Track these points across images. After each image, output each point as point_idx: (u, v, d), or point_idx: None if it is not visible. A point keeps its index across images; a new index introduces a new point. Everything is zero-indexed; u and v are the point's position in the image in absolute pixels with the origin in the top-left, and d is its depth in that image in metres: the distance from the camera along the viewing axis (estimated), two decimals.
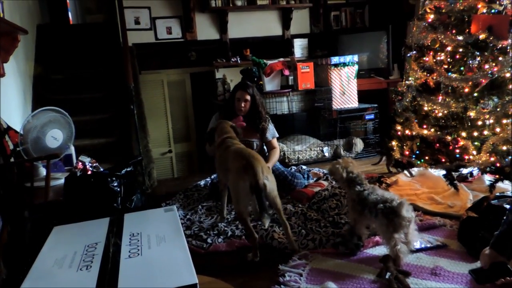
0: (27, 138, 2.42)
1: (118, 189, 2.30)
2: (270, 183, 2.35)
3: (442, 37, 3.04)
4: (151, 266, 1.01)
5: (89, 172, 2.57)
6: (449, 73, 3.02)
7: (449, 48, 3.04)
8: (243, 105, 3.31)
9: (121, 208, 2.20)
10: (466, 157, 2.94)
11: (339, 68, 4.74)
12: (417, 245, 2.33)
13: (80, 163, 2.61)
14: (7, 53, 3.17)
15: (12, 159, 2.56)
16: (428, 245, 2.36)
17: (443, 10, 3.11)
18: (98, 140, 3.93)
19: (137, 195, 2.44)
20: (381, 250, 2.36)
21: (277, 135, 3.62)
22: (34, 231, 2.26)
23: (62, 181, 2.42)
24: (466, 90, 2.91)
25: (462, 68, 2.98)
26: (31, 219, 2.31)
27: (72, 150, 3.02)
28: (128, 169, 2.52)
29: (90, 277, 0.96)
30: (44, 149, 2.51)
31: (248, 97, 3.32)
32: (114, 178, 2.33)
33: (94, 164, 2.65)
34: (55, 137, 2.60)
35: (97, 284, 0.93)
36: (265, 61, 4.62)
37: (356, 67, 4.82)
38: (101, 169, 2.67)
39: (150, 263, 1.03)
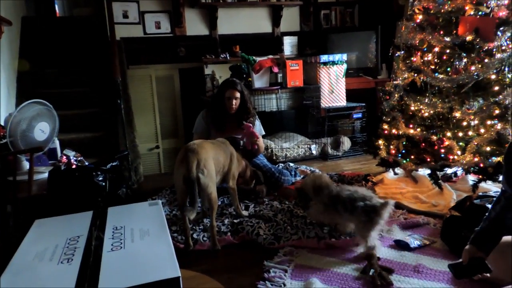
0: (16, 131, 2.37)
1: (104, 184, 2.27)
2: (206, 178, 2.40)
3: (430, 37, 3.07)
4: (133, 259, 1.00)
5: (74, 166, 2.53)
6: (436, 74, 3.05)
7: (436, 49, 3.08)
8: (234, 103, 3.30)
9: (106, 202, 2.17)
10: (451, 157, 2.98)
11: (328, 66, 4.76)
12: (410, 244, 2.36)
13: (64, 157, 2.57)
14: None
15: None
16: (420, 244, 2.38)
17: (432, 11, 3.14)
18: (85, 134, 3.88)
19: (122, 189, 2.42)
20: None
21: (263, 133, 3.62)
22: (17, 225, 2.22)
23: (46, 175, 2.39)
24: (452, 91, 2.95)
25: (448, 69, 3.01)
26: (14, 213, 2.27)
27: (56, 143, 2.98)
28: (114, 163, 2.50)
29: (71, 270, 0.95)
30: (32, 142, 2.48)
31: (238, 95, 3.32)
32: (99, 173, 2.30)
33: (79, 158, 2.62)
34: (42, 130, 2.57)
35: (78, 277, 0.91)
36: (254, 58, 4.61)
37: (345, 66, 4.85)
38: (86, 163, 2.63)
39: (132, 257, 1.02)
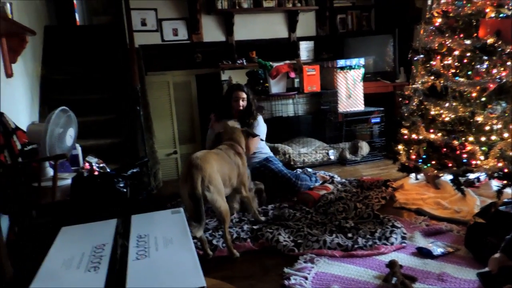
0: (52, 138, 2.43)
1: (125, 190, 2.30)
2: (212, 194, 2.37)
3: (450, 41, 3.03)
4: (159, 268, 1.01)
5: (96, 173, 2.57)
6: (457, 78, 3.01)
7: (456, 52, 3.03)
8: (241, 104, 3.40)
9: (127, 209, 2.20)
10: (474, 162, 2.92)
11: (345, 71, 4.73)
12: (433, 251, 2.32)
13: (87, 164, 2.61)
14: (16, 53, 3.19)
15: (19, 159, 2.57)
16: (444, 251, 2.34)
17: (451, 14, 3.09)
18: (104, 140, 3.94)
19: (143, 195, 2.44)
20: (387, 256, 2.35)
21: (263, 138, 3.61)
22: (41, 231, 2.26)
23: (69, 181, 2.43)
24: (474, 94, 2.89)
25: (469, 73, 2.96)
26: (38, 219, 2.32)
27: (78, 150, 3.03)
28: (134, 170, 2.52)
29: (98, 278, 0.96)
30: (65, 148, 2.56)
31: (245, 96, 3.44)
32: (120, 179, 2.33)
33: (101, 165, 2.66)
34: (71, 136, 2.64)
35: (105, 286, 0.92)
36: (271, 63, 4.62)
37: (362, 70, 4.82)
38: (108, 170, 2.67)
39: (158, 265, 1.02)
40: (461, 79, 2.99)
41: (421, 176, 3.54)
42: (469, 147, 2.93)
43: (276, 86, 4.71)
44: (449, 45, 3.05)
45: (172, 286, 0.90)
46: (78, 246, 1.14)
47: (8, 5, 2.82)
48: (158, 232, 1.21)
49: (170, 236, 1.17)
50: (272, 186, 3.43)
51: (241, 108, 3.44)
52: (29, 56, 3.79)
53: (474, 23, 2.94)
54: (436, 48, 3.15)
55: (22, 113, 3.36)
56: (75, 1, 6.12)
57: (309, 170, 4.06)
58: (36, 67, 4.10)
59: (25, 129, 2.72)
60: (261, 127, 3.55)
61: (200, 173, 2.34)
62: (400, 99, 3.55)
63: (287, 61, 4.78)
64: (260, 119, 3.59)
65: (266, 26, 5.46)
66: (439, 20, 3.16)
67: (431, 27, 3.22)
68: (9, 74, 3.08)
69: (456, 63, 3.07)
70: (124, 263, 1.00)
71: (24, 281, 1.04)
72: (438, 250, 2.34)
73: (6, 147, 2.47)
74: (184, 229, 1.23)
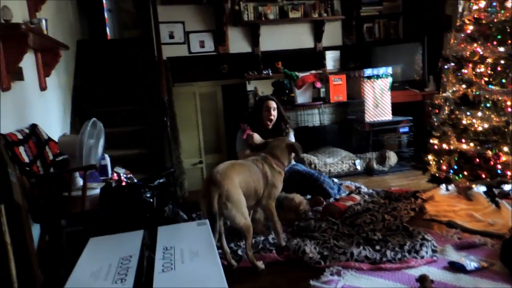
0: (85, 148, 2.51)
1: (151, 200, 2.33)
2: (230, 211, 2.31)
3: (482, 48, 2.94)
4: (184, 281, 1.01)
5: (124, 183, 2.62)
6: (490, 86, 2.91)
7: (489, 60, 2.94)
8: (272, 114, 3.38)
9: (154, 219, 2.22)
10: (509, 173, 2.81)
11: (372, 80, 4.67)
12: (467, 266, 2.23)
13: (115, 174, 2.67)
14: (49, 67, 3.32)
15: (51, 169, 2.65)
16: (478, 266, 2.24)
17: (483, 21, 3.01)
18: (132, 151, 4.02)
19: (169, 206, 2.46)
20: (417, 270, 2.27)
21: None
22: (71, 239, 2.32)
23: (97, 191, 2.48)
24: (508, 103, 2.79)
25: (504, 81, 2.87)
26: (68, 227, 2.38)
27: (107, 160, 3.10)
28: (161, 180, 2.55)
29: None
30: (97, 158, 2.64)
31: (275, 106, 3.42)
32: (147, 189, 2.36)
33: (129, 175, 2.71)
34: (101, 146, 2.71)
35: None
36: (296, 73, 4.61)
37: (390, 79, 4.74)
38: (135, 180, 2.72)
39: (183, 278, 1.02)
40: (495, 88, 2.89)
41: (452, 187, 3.43)
42: (503, 158, 2.83)
43: (302, 96, 4.69)
44: (481, 53, 2.96)
45: None
46: (105, 257, 1.16)
47: (43, 21, 2.94)
48: (184, 244, 1.21)
49: (196, 249, 1.17)
50: (300, 186, 3.44)
51: (272, 117, 3.43)
52: (62, 69, 3.93)
53: (509, 30, 2.85)
54: (468, 56, 3.07)
55: (54, 124, 3.47)
56: (106, 16, 6.32)
57: (335, 180, 4.01)
58: (68, 80, 4.24)
59: (56, 140, 2.81)
60: (293, 137, 3.56)
61: (217, 190, 2.29)
62: (430, 108, 3.47)
63: (313, 71, 4.75)
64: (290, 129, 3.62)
65: (292, 37, 5.47)
66: (471, 27, 3.09)
67: (462, 35, 3.15)
68: (43, 88, 3.20)
69: (489, 71, 2.97)
70: (150, 275, 1.01)
71: None
72: (471, 264, 2.24)
73: (39, 158, 2.56)
74: (209, 241, 1.23)
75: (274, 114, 3.43)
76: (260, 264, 2.46)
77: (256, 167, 2.64)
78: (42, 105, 3.21)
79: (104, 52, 4.94)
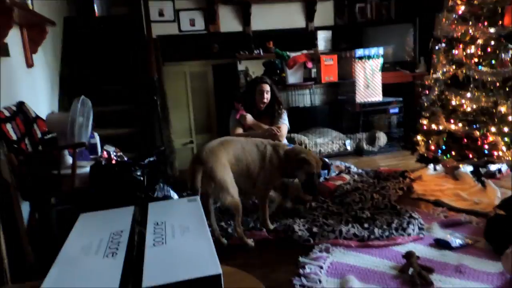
0: (75, 126, 2.48)
1: (142, 178, 2.33)
2: (214, 190, 2.31)
3: (473, 29, 2.95)
4: (175, 255, 1.02)
5: (114, 161, 2.61)
6: (480, 67, 2.93)
7: (480, 41, 2.95)
8: (265, 97, 3.34)
9: (145, 197, 2.23)
10: (495, 153, 2.86)
11: (363, 60, 4.66)
12: (452, 243, 2.28)
13: (105, 152, 2.65)
14: (36, 44, 3.25)
15: (39, 147, 2.63)
16: (463, 243, 2.30)
17: (475, 2, 3.00)
18: (122, 130, 3.98)
19: (159, 184, 2.47)
20: (404, 247, 2.33)
21: (288, 126, 3.55)
22: (61, 218, 2.31)
23: (87, 169, 2.47)
24: (497, 84, 2.81)
25: (493, 62, 2.88)
26: (58, 206, 2.37)
27: (97, 139, 3.07)
28: (151, 159, 2.55)
29: (116, 264, 0.97)
30: (86, 136, 2.61)
31: (269, 88, 3.38)
32: (137, 168, 2.36)
33: (119, 154, 2.69)
34: (91, 124, 2.69)
35: (123, 271, 0.94)
36: (288, 53, 4.58)
37: (381, 60, 4.73)
38: (125, 159, 2.71)
39: (174, 252, 1.03)
40: (485, 69, 2.91)
41: (439, 167, 3.48)
42: (491, 138, 2.87)
43: (293, 76, 4.67)
44: (472, 33, 2.97)
45: (188, 272, 0.90)
46: (96, 233, 1.16)
47: None
48: (174, 220, 1.21)
49: (186, 224, 1.17)
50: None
51: (265, 100, 3.39)
52: (49, 47, 3.85)
53: (500, 11, 2.85)
54: (459, 36, 3.08)
55: (42, 102, 3.42)
56: None
57: (326, 160, 4.03)
58: (56, 58, 4.16)
59: (44, 118, 2.77)
60: (286, 118, 3.52)
61: (201, 167, 2.29)
62: (420, 89, 3.49)
63: (305, 51, 4.72)
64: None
65: (284, 16, 5.40)
66: (463, 7, 3.08)
67: (454, 15, 3.14)
68: (29, 64, 3.14)
69: (479, 52, 2.99)
70: (141, 250, 1.01)
71: (45, 265, 1.06)
72: (456, 241, 2.30)
73: (27, 135, 2.53)
74: (200, 217, 1.24)
75: (267, 97, 3.39)
76: (250, 241, 2.49)
77: (254, 146, 2.62)
78: (29, 82, 3.15)
79: (92, 29, 4.83)
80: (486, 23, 2.89)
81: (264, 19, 5.34)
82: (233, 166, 2.46)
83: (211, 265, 0.93)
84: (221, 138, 2.63)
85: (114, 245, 1.07)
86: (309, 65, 4.65)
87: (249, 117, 3.25)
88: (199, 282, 0.89)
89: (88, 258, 1.02)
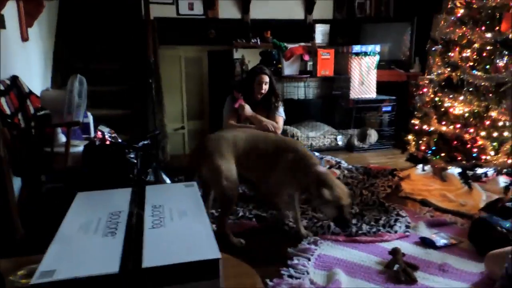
0: (71, 105, 2.46)
1: (135, 161, 2.33)
2: (209, 174, 2.30)
3: (471, 33, 2.98)
4: (175, 238, 1.03)
5: (108, 142, 2.59)
6: (474, 71, 2.97)
7: (476, 45, 2.98)
8: (264, 88, 3.29)
9: (137, 179, 2.23)
10: (483, 157, 2.91)
11: (360, 57, 4.68)
12: (437, 242, 2.34)
13: (99, 133, 2.63)
14: (32, 18, 3.19)
15: (32, 123, 2.60)
16: (447, 242, 2.36)
17: (474, 6, 3.03)
18: (116, 111, 3.96)
19: (152, 167, 2.47)
20: (390, 243, 2.37)
21: (284, 118, 3.54)
22: (51, 195, 2.30)
23: (80, 148, 2.45)
24: (490, 89, 2.86)
25: (488, 67, 2.92)
26: (49, 183, 2.35)
27: (90, 119, 3.05)
28: (145, 142, 2.54)
29: (116, 243, 0.98)
30: (81, 114, 2.59)
31: (268, 79, 3.32)
32: (131, 150, 2.35)
33: (113, 135, 2.68)
34: (85, 103, 2.66)
35: (123, 250, 0.94)
36: (285, 44, 4.57)
37: (377, 57, 4.76)
38: (119, 140, 2.69)
39: (173, 235, 1.04)
40: (479, 73, 2.95)
41: (428, 167, 3.54)
42: (480, 142, 2.92)
43: (289, 68, 4.67)
44: (469, 37, 3.00)
45: (188, 255, 0.92)
46: (94, 212, 1.16)
47: None
48: (172, 204, 1.22)
49: (184, 209, 1.19)
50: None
51: (263, 91, 3.31)
52: (44, 22, 3.78)
53: (498, 16, 2.88)
54: (456, 39, 3.10)
55: (35, 78, 3.37)
56: None
57: (316, 154, 4.06)
58: (51, 34, 4.09)
59: (38, 94, 2.73)
60: (282, 110, 3.43)
61: (201, 153, 2.33)
62: (414, 89, 3.52)
63: (302, 43, 4.72)
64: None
65: (283, 6, 5.38)
66: (462, 10, 3.10)
67: (452, 18, 3.16)
68: (25, 38, 3.08)
69: (474, 56, 3.02)
70: (140, 231, 1.02)
71: (35, 242, 1.06)
72: (441, 241, 2.36)
73: (20, 110, 2.49)
74: (198, 202, 1.25)
75: (266, 88, 3.31)
76: (238, 241, 2.40)
77: (273, 146, 2.49)
78: (23, 56, 3.10)
79: (89, 7, 4.74)
80: (483, 28, 2.92)
81: (263, 8, 5.31)
82: (242, 160, 2.38)
83: (210, 249, 0.94)
84: (240, 129, 2.66)
85: (113, 224, 1.08)
86: (306, 57, 4.65)
87: (248, 108, 3.22)
88: (199, 265, 0.90)
89: (87, 237, 1.03)
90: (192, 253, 0.93)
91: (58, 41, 4.24)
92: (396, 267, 2.05)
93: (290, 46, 4.58)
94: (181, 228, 1.07)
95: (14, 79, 2.65)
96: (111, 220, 1.11)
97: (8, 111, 2.28)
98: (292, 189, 2.47)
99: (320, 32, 5.47)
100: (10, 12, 2.78)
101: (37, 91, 2.86)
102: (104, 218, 1.12)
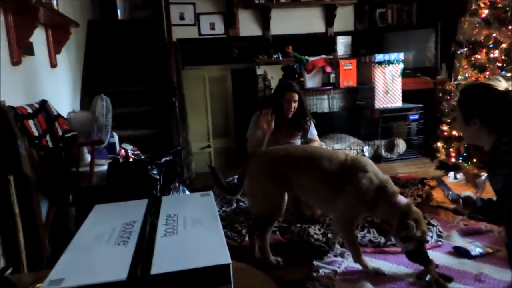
0: (96, 125, 2.54)
1: (158, 177, 2.35)
2: (248, 197, 2.37)
3: (497, 33, 2.88)
4: (185, 244, 1.02)
5: (131, 159, 2.64)
6: (503, 72, 2.86)
7: (504, 45, 2.88)
8: (293, 106, 3.05)
9: (160, 195, 2.24)
10: None
11: (383, 66, 4.61)
12: (471, 251, 2.23)
13: (122, 150, 2.69)
14: (60, 45, 3.34)
15: (60, 145, 2.68)
16: (483, 252, 2.24)
17: (499, 5, 2.94)
18: (141, 131, 4.04)
19: (175, 184, 2.48)
20: None
21: (316, 135, 3.40)
22: (79, 213, 2.35)
23: (105, 167, 2.50)
24: None
25: None
26: (76, 202, 2.40)
27: (116, 138, 3.12)
28: (168, 158, 2.57)
29: (127, 251, 0.98)
30: (107, 134, 2.67)
31: (297, 97, 3.06)
32: (154, 166, 2.38)
33: (136, 152, 2.73)
34: (110, 123, 2.73)
35: (133, 258, 0.94)
36: (307, 57, 4.57)
37: (401, 65, 4.67)
38: (142, 157, 2.74)
39: (184, 242, 1.04)
40: (508, 74, 2.83)
41: (460, 175, 3.40)
42: None
43: (311, 81, 4.66)
44: (496, 37, 2.90)
45: (197, 261, 0.91)
46: (109, 223, 1.18)
47: None
48: (187, 213, 1.22)
49: (198, 217, 1.18)
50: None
51: (293, 109, 3.05)
52: (72, 48, 3.94)
53: None
54: (482, 40, 3.01)
55: (63, 102, 3.50)
56: None
57: None
58: (79, 59, 4.26)
59: (66, 117, 2.83)
60: (313, 128, 3.26)
61: (247, 165, 2.34)
62: (441, 94, 3.42)
63: (324, 56, 4.70)
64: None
65: (303, 21, 5.40)
66: (486, 11, 3.02)
67: (477, 19, 3.08)
68: (53, 64, 3.22)
69: (503, 57, 2.92)
70: (152, 239, 1.02)
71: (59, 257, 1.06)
72: (476, 250, 2.23)
73: (48, 132, 2.58)
74: (212, 211, 1.24)
75: (295, 106, 3.05)
76: (274, 259, 2.30)
77: (335, 171, 2.17)
78: (52, 81, 3.23)
79: (114, 32, 4.94)
80: (510, 27, 2.82)
81: (283, 23, 5.35)
82: (292, 180, 2.23)
83: (220, 255, 0.93)
84: (298, 146, 2.71)
85: (126, 234, 1.08)
86: (328, 69, 4.63)
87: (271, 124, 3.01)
88: (208, 271, 0.88)
89: (99, 246, 1.03)
90: (202, 259, 0.92)
91: (86, 66, 4.40)
92: (428, 277, 1.95)
93: (311, 59, 4.58)
94: (193, 235, 1.06)
95: (43, 103, 2.76)
96: (125, 229, 1.11)
97: (36, 133, 2.36)
98: (358, 215, 2.22)
99: (342, 44, 5.45)
100: (39, 39, 2.92)
101: (65, 114, 2.96)
102: (118, 227, 1.13)
